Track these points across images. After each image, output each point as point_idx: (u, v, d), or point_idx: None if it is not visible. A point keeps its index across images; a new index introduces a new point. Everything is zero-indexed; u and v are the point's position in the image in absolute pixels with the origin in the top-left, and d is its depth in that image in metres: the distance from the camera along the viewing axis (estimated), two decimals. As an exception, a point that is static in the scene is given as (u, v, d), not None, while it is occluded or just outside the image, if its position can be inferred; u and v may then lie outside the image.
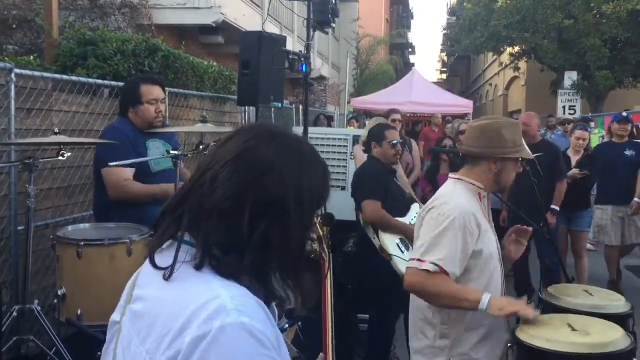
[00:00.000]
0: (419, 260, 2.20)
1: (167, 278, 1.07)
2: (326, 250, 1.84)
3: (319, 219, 1.78)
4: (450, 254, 2.19)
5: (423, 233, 2.28)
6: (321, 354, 1.58)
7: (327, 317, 1.68)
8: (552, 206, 5.56)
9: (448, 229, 2.20)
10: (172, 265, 1.08)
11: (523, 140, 2.46)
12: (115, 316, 1.19)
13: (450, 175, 2.47)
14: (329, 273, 1.81)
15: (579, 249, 6.09)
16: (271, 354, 1.01)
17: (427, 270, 2.17)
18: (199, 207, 1.10)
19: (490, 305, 2.13)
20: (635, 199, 6.06)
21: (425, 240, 2.23)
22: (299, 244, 1.14)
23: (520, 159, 2.40)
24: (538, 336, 2.10)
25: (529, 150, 2.44)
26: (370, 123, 5.25)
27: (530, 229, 2.57)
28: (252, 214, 1.07)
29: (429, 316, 2.34)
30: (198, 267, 1.07)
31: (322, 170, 1.18)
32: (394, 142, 4.16)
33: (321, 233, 1.85)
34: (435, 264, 2.17)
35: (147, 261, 1.17)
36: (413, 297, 2.45)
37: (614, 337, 2.11)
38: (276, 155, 1.11)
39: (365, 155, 4.39)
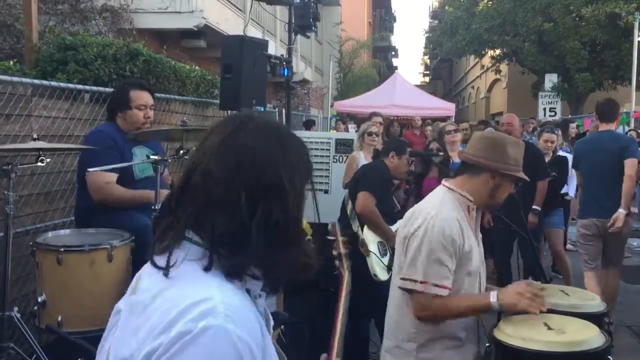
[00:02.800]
0: (422, 283, 2.19)
1: (166, 276, 1.09)
2: (345, 267, 1.87)
3: (339, 235, 1.83)
4: (446, 270, 2.21)
5: (414, 250, 2.25)
6: (324, 354, 1.60)
7: (338, 326, 1.71)
8: (534, 207, 5.59)
9: (438, 248, 2.20)
10: (170, 265, 1.10)
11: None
12: (120, 304, 1.22)
13: (443, 182, 2.45)
14: (345, 288, 1.85)
15: (557, 249, 6.12)
16: None
17: (436, 295, 2.19)
18: (197, 201, 1.12)
19: (500, 303, 2.20)
20: None
21: (420, 261, 2.21)
22: (297, 218, 1.18)
23: (516, 180, 2.39)
24: (515, 335, 2.14)
25: (524, 175, 2.41)
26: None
27: None
28: (250, 198, 1.10)
29: (400, 319, 2.37)
30: (207, 269, 1.08)
31: (302, 146, 1.23)
32: (412, 160, 4.33)
33: (342, 251, 1.89)
34: (440, 286, 2.19)
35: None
36: (391, 296, 2.46)
37: (589, 335, 2.15)
38: (260, 139, 1.15)
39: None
